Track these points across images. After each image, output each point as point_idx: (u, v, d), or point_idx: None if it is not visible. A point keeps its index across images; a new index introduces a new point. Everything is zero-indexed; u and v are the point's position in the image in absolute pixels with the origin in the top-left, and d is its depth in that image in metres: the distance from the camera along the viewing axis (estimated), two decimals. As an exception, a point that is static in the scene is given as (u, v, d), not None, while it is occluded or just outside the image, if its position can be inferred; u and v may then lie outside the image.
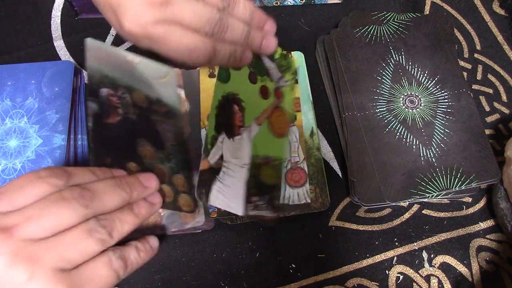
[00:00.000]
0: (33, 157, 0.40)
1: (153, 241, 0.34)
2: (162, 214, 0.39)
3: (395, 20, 0.45)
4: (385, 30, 0.44)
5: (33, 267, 0.25)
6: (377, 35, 0.44)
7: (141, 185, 0.32)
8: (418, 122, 0.40)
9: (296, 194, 0.39)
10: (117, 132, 0.35)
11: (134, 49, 0.48)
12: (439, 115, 0.41)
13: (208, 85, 0.44)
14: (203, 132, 0.42)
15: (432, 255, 0.39)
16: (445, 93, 0.42)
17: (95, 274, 0.27)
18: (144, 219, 0.32)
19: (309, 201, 0.39)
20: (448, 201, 0.41)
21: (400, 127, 0.40)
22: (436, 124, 0.40)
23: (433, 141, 0.39)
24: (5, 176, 0.39)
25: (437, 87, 0.42)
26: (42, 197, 0.27)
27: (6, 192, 0.27)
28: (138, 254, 0.31)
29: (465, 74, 0.46)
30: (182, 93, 0.43)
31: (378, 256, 0.39)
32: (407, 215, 0.41)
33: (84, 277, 0.27)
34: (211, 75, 0.45)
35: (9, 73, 0.43)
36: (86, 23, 0.49)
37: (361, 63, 0.43)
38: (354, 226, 0.40)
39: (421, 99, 0.41)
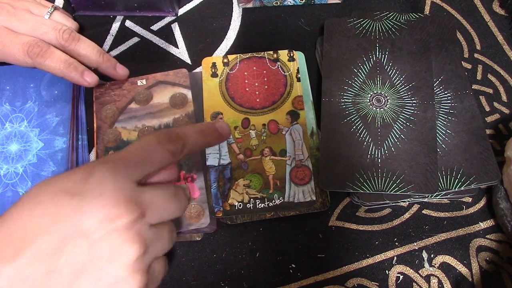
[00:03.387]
0: (34, 160, 0.40)
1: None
2: None
3: (393, 19, 0.45)
4: (377, 27, 0.45)
5: (139, 252, 0.25)
6: (368, 29, 0.45)
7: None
8: (378, 121, 0.40)
9: (301, 192, 0.39)
10: None
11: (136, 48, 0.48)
12: (440, 115, 0.41)
13: (210, 85, 0.44)
14: None
15: (432, 255, 0.39)
16: (448, 94, 0.42)
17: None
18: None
19: (314, 198, 0.39)
20: (448, 201, 0.41)
21: (358, 121, 0.41)
22: (395, 128, 0.40)
23: (385, 143, 0.39)
24: (6, 181, 0.39)
25: (441, 87, 0.42)
26: (168, 167, 0.29)
27: (134, 157, 0.27)
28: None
29: (465, 74, 0.46)
30: (189, 94, 0.44)
31: (378, 256, 0.39)
32: (407, 215, 0.41)
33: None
34: (213, 75, 0.45)
35: (7, 77, 0.43)
36: (86, 23, 0.49)
37: (343, 52, 0.44)
38: (354, 226, 0.40)
39: (389, 100, 0.41)
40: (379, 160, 0.39)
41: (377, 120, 0.41)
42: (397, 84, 0.42)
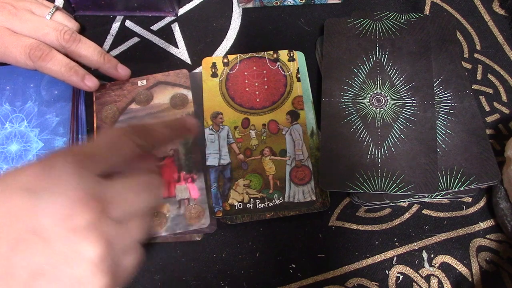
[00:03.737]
0: None
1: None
2: (167, 215, 0.39)
3: (393, 19, 0.45)
4: (377, 27, 0.45)
5: (100, 251, 0.24)
6: (368, 29, 0.45)
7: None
8: (378, 121, 0.40)
9: (301, 192, 0.39)
10: None
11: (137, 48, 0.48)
12: (440, 115, 0.41)
13: (210, 85, 0.44)
14: (207, 132, 0.42)
15: (432, 255, 0.39)
16: (448, 94, 0.42)
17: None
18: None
19: (314, 198, 0.39)
20: (448, 201, 0.41)
21: (358, 121, 0.41)
22: (395, 128, 0.40)
23: (385, 143, 0.39)
24: None
25: (441, 87, 0.42)
26: (136, 161, 0.28)
27: (98, 150, 0.27)
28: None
29: (465, 74, 0.46)
30: (189, 95, 0.44)
31: (378, 256, 0.39)
32: (407, 215, 0.41)
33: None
34: (213, 75, 0.45)
35: (7, 77, 0.43)
36: (86, 23, 0.49)
37: (343, 52, 0.44)
38: (354, 226, 0.40)
39: (389, 100, 0.41)
40: (379, 160, 0.39)
41: (377, 120, 0.41)
42: (397, 84, 0.42)
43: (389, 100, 0.41)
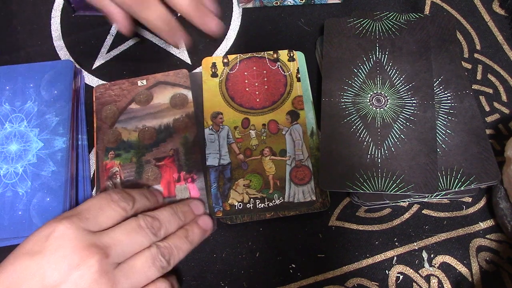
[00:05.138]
0: (34, 160, 0.40)
1: (206, 222, 0.37)
2: None
3: (393, 19, 0.45)
4: (377, 27, 0.45)
5: None
6: (368, 29, 0.45)
7: (192, 212, 0.37)
8: (378, 121, 0.40)
9: (301, 192, 0.39)
10: None
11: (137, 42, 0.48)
12: (440, 115, 0.41)
13: (210, 85, 0.44)
14: (207, 132, 0.42)
15: (432, 255, 0.39)
16: (448, 94, 0.42)
17: None
18: (196, 245, 0.36)
19: (314, 198, 0.39)
20: (448, 201, 0.41)
21: (358, 121, 0.41)
22: (395, 128, 0.40)
23: (385, 143, 0.39)
24: (6, 181, 0.39)
25: (441, 87, 0.42)
26: (121, 222, 0.31)
27: (89, 212, 0.30)
28: (185, 246, 0.34)
29: (465, 74, 0.46)
30: (189, 95, 0.44)
31: (378, 256, 0.39)
32: (407, 215, 0.41)
33: None
34: (213, 75, 0.45)
35: (7, 77, 0.43)
36: (86, 23, 0.49)
37: (343, 52, 0.44)
38: (354, 226, 0.40)
39: (389, 100, 0.41)
40: (379, 160, 0.39)
41: (377, 120, 0.41)
42: (397, 84, 0.42)
43: (389, 100, 0.41)
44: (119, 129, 0.42)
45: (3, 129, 0.41)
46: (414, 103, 0.41)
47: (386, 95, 0.42)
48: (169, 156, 0.41)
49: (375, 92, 0.42)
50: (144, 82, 0.44)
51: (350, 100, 0.42)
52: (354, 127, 0.40)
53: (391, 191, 0.38)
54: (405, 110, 0.41)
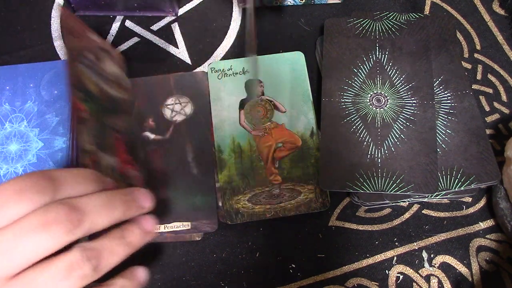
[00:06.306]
0: (34, 160, 0.40)
1: (140, 274, 0.28)
2: None
3: (393, 19, 0.45)
4: (377, 27, 0.45)
5: None
6: (368, 29, 0.45)
7: (136, 205, 0.28)
8: (378, 121, 0.40)
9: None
10: None
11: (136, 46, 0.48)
12: (440, 115, 0.41)
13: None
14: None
15: (432, 255, 0.39)
16: (448, 94, 0.42)
17: None
18: (135, 249, 0.27)
19: (314, 198, 0.39)
20: (448, 201, 0.41)
21: (358, 121, 0.41)
22: (395, 128, 0.40)
23: (385, 143, 0.39)
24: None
25: (441, 87, 0.42)
26: (22, 218, 0.22)
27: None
28: None
29: (465, 74, 0.46)
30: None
31: (378, 256, 0.39)
32: (407, 215, 0.41)
33: None
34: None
35: (7, 77, 0.43)
36: (86, 23, 0.49)
37: (343, 52, 0.44)
38: (354, 226, 0.40)
39: (389, 100, 0.41)
40: (379, 160, 0.39)
41: (377, 120, 0.41)
42: (397, 84, 0.42)
43: (389, 100, 0.41)
44: (82, 68, 0.34)
45: (3, 129, 0.41)
46: (414, 103, 0.41)
47: (386, 95, 0.42)
48: (120, 133, 0.38)
49: (375, 92, 0.42)
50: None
51: (350, 100, 0.42)
52: (354, 127, 0.40)
53: (391, 191, 0.38)
54: (405, 110, 0.41)
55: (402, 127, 0.40)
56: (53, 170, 0.25)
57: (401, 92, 0.42)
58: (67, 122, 0.41)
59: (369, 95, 0.42)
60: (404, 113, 0.41)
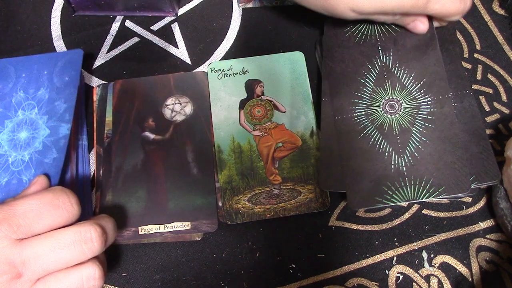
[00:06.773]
0: (40, 148, 0.39)
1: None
2: None
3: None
4: (376, 28, 0.44)
5: None
6: (367, 34, 0.43)
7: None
8: (395, 128, 0.39)
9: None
10: None
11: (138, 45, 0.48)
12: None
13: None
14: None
15: (432, 255, 0.39)
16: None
17: None
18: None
19: (314, 198, 0.39)
20: (448, 201, 0.41)
21: (375, 132, 0.39)
22: (414, 131, 0.39)
23: (407, 149, 0.38)
24: (14, 168, 0.39)
25: None
26: (53, 235, 0.27)
27: (25, 218, 0.26)
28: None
29: (465, 74, 0.46)
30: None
31: (378, 256, 0.39)
32: (407, 215, 0.41)
33: None
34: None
35: (23, 65, 0.43)
36: (86, 23, 0.49)
37: (346, 65, 0.42)
38: (354, 226, 0.40)
39: (402, 104, 0.40)
40: (404, 168, 0.37)
41: (394, 127, 0.39)
42: (408, 85, 0.40)
43: (402, 104, 0.40)
44: None
45: (15, 116, 0.41)
46: (429, 101, 0.39)
47: (398, 99, 0.40)
48: None
49: (386, 98, 0.40)
50: None
51: (363, 112, 0.40)
52: (372, 139, 0.39)
53: (422, 198, 0.36)
54: (421, 111, 0.39)
55: (421, 129, 0.38)
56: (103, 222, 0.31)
57: (413, 92, 0.40)
58: (73, 109, 0.41)
59: (381, 103, 0.40)
60: (420, 114, 0.39)
